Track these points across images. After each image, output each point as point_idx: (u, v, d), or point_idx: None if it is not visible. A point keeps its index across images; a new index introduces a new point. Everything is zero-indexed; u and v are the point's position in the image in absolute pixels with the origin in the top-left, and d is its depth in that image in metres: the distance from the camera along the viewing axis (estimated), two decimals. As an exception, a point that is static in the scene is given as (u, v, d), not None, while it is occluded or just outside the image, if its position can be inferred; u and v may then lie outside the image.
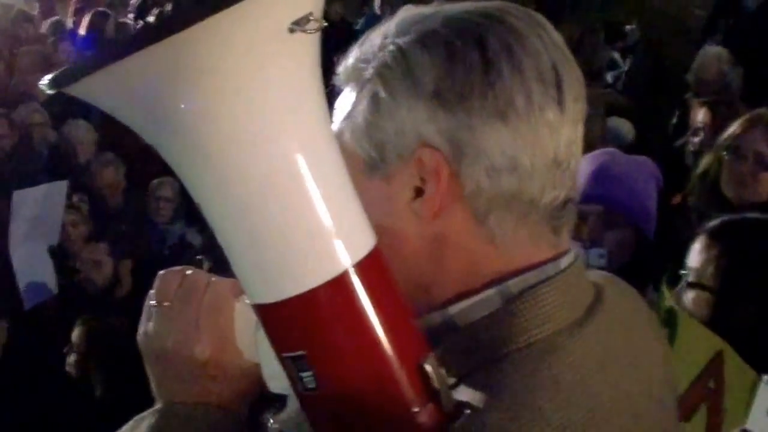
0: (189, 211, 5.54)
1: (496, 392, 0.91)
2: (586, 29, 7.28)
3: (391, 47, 0.98)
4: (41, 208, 4.84)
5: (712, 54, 5.94)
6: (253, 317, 0.97)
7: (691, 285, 2.06)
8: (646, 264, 2.65)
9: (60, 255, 4.88)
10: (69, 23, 9.66)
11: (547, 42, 0.98)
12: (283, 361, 0.93)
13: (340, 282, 0.89)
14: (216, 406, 1.03)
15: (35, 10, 10.34)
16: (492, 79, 0.95)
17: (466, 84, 0.95)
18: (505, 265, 0.99)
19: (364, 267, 0.90)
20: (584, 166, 2.62)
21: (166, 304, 1.03)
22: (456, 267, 0.99)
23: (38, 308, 4.69)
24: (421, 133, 0.96)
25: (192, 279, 1.03)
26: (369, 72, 0.99)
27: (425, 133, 0.96)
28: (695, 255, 2.08)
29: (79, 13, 9.75)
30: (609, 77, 7.86)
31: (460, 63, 0.95)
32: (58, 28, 9.09)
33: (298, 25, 0.85)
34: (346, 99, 1.02)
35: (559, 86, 0.97)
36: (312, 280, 0.88)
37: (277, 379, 0.98)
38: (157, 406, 1.06)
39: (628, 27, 8.60)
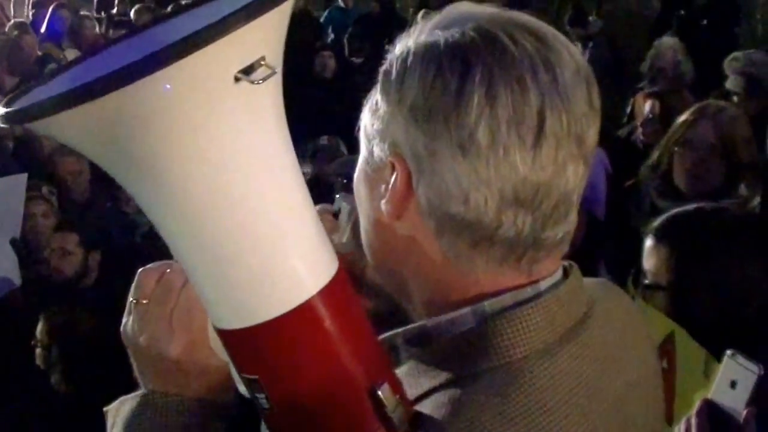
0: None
1: (458, 411, 0.92)
2: (551, 19, 7.35)
3: (404, 52, 0.99)
4: (1, 201, 4.80)
5: (668, 45, 6.00)
6: None
7: (648, 287, 2.11)
8: (597, 245, 2.74)
9: (24, 247, 4.81)
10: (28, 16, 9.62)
11: (545, 81, 0.95)
12: (242, 378, 0.97)
13: (297, 313, 0.91)
14: (192, 398, 1.07)
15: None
16: (460, 108, 0.94)
17: (435, 106, 0.95)
18: (473, 285, 1.00)
19: (324, 296, 0.92)
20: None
21: (144, 301, 1.07)
22: (427, 274, 1.02)
23: (2, 301, 4.63)
24: (396, 141, 0.99)
25: (169, 278, 1.06)
26: (387, 63, 1.02)
27: (398, 142, 0.98)
28: (647, 257, 2.12)
29: (37, 7, 9.72)
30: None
31: (438, 84, 0.95)
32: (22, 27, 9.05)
33: (246, 73, 0.85)
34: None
35: (539, 131, 0.94)
36: (265, 314, 0.91)
37: (242, 386, 1.02)
38: (140, 391, 1.10)
39: (591, 18, 8.70)
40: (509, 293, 0.99)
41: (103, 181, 5.74)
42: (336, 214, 1.22)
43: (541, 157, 0.95)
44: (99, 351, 3.88)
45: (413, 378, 1.00)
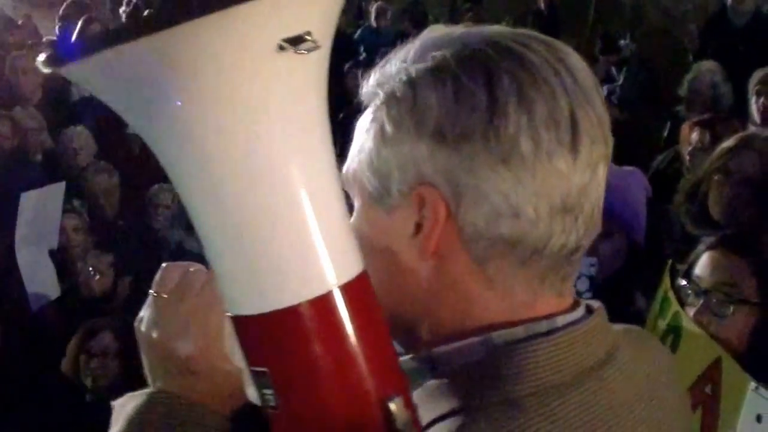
0: (187, 218, 5.57)
1: None
2: (581, 42, 7.36)
3: (404, 75, 0.95)
4: (40, 210, 4.87)
5: (706, 68, 6.03)
6: None
7: (737, 301, 2.08)
8: (637, 270, 2.72)
9: (61, 259, 4.89)
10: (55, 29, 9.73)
11: (568, 82, 0.92)
12: (250, 373, 0.92)
13: (304, 309, 0.86)
14: (197, 402, 1.04)
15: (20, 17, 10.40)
16: (497, 121, 0.90)
17: (468, 125, 0.91)
18: (499, 313, 0.96)
19: (345, 292, 0.87)
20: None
21: (163, 295, 1.04)
22: (451, 307, 0.97)
23: (37, 311, 4.72)
24: (422, 171, 0.93)
25: (191, 277, 1.04)
26: (379, 99, 0.97)
27: (425, 170, 0.93)
28: (722, 269, 2.11)
29: (65, 20, 9.83)
30: (604, 90, 7.96)
31: (465, 102, 0.91)
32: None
33: (291, 44, 0.81)
34: (362, 123, 0.99)
35: (574, 131, 0.91)
36: (278, 302, 0.87)
37: (252, 388, 0.97)
38: (148, 389, 1.07)
39: (622, 42, 8.69)
40: (522, 326, 0.95)
41: (132, 199, 5.80)
42: None
43: (580, 159, 0.92)
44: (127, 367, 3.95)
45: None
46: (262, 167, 0.85)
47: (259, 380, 0.90)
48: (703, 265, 2.17)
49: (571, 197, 0.92)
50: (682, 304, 2.16)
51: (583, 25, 8.97)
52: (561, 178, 0.91)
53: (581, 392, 0.94)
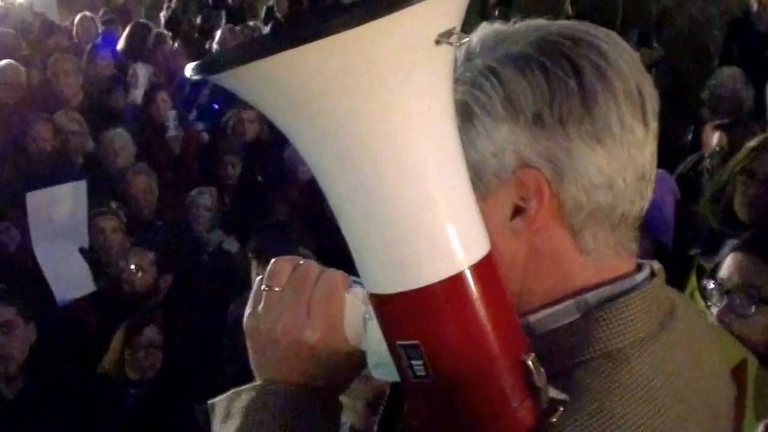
0: (226, 220, 5.69)
1: (576, 396, 0.95)
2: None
3: (482, 67, 1.03)
4: (62, 208, 4.92)
5: (728, 73, 6.10)
6: (362, 307, 1.04)
7: (758, 302, 2.14)
8: (664, 272, 2.73)
9: (94, 257, 4.93)
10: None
11: (630, 62, 1.02)
12: (394, 349, 0.96)
13: (459, 280, 0.92)
14: (314, 387, 1.07)
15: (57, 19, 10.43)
16: (590, 104, 0.99)
17: (564, 109, 0.99)
18: (590, 277, 1.04)
19: (480, 267, 0.93)
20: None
21: (277, 289, 1.07)
22: (546, 278, 1.05)
23: (70, 309, 4.75)
24: (522, 155, 1.01)
25: (305, 268, 1.08)
26: (458, 92, 1.01)
27: (526, 154, 1.01)
28: (742, 271, 2.15)
29: (108, 24, 9.91)
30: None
31: (558, 88, 0.99)
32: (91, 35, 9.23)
33: (444, 37, 0.87)
34: None
35: (643, 106, 1.02)
36: (432, 276, 0.92)
37: (382, 367, 1.02)
38: (257, 383, 1.10)
39: (655, 45, 8.69)
40: (609, 286, 1.04)
41: (171, 200, 5.87)
42: None
43: (650, 130, 1.03)
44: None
45: None
46: (409, 157, 0.90)
47: (409, 353, 0.95)
48: (726, 266, 2.21)
49: (646, 165, 1.04)
50: (708, 304, 2.18)
51: (611, 29, 8.96)
52: (640, 148, 1.02)
53: (665, 339, 1.04)
